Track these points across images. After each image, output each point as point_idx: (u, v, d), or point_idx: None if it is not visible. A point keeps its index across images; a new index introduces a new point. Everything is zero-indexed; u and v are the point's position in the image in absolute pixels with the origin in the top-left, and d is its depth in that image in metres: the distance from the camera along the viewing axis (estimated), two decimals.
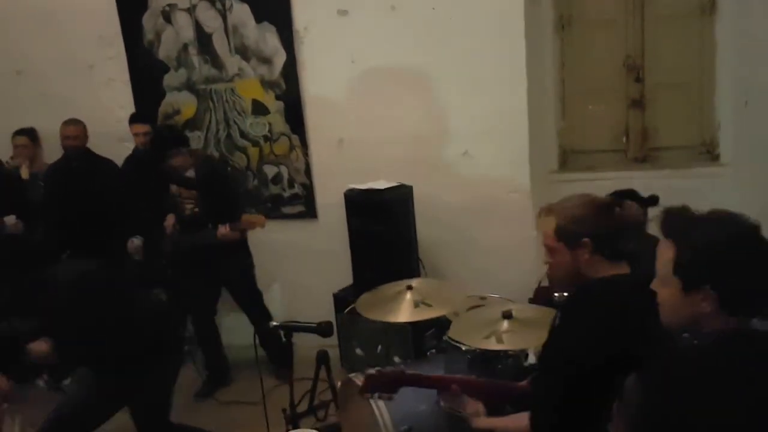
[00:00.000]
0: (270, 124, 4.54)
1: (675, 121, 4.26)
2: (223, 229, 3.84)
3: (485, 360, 2.64)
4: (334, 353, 3.50)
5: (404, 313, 3.05)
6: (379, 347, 3.73)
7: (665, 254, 1.53)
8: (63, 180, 4.53)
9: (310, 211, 4.58)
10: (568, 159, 4.46)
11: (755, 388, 1.41)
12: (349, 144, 4.40)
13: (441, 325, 3.27)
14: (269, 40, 4.40)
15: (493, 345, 2.62)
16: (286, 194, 4.60)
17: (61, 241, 4.35)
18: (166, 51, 4.63)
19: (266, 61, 4.44)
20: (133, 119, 4.42)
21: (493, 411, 2.09)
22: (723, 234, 1.49)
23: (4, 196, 4.31)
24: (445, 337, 2.82)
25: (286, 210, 4.61)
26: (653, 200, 2.94)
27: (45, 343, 2.74)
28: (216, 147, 4.65)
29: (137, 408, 2.97)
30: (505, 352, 2.63)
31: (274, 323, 2.92)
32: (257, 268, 4.30)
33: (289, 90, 4.44)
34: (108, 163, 4.57)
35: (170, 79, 4.67)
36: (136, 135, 4.39)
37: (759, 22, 3.81)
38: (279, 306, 4.50)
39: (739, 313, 1.49)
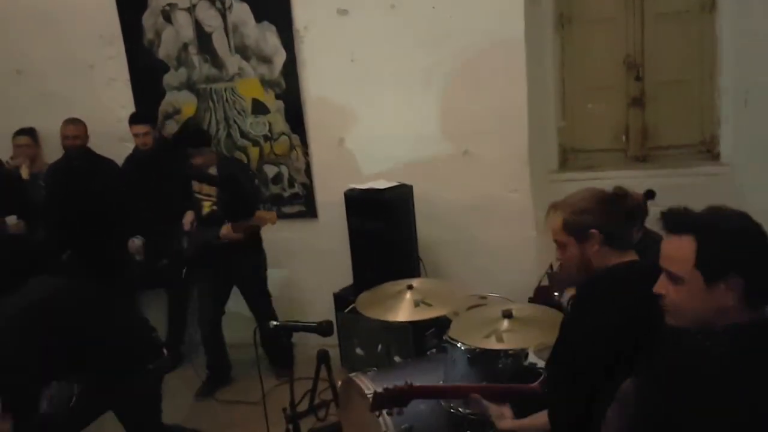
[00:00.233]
0: (270, 123, 4.54)
1: (675, 119, 4.26)
2: (225, 229, 3.87)
3: (485, 359, 2.64)
4: (334, 353, 3.50)
5: (404, 312, 3.06)
6: (380, 346, 3.73)
7: (681, 250, 1.51)
8: (64, 180, 4.53)
9: (310, 211, 4.58)
10: (568, 158, 4.46)
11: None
12: (349, 143, 4.40)
13: (441, 324, 3.27)
14: (269, 39, 4.40)
15: (493, 344, 2.62)
16: (287, 194, 4.61)
17: (61, 241, 4.37)
18: (166, 50, 4.63)
19: (266, 60, 4.44)
20: (133, 119, 4.42)
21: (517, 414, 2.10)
22: (738, 222, 1.51)
23: (4, 197, 4.31)
24: (445, 337, 2.82)
25: (287, 209, 4.61)
26: (650, 195, 2.94)
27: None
28: (216, 147, 4.64)
29: (123, 416, 2.95)
30: (505, 351, 2.62)
31: (274, 323, 2.92)
32: None
33: (289, 89, 4.44)
34: (109, 162, 4.57)
35: (170, 78, 4.67)
36: (136, 135, 4.39)
37: (759, 21, 3.81)
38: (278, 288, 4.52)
39: (759, 302, 1.49)
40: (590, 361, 1.82)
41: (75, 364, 2.69)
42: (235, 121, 4.59)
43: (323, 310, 4.15)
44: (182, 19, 4.55)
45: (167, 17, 4.57)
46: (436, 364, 2.86)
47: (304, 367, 3.37)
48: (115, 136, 4.66)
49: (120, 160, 4.56)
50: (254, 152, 4.60)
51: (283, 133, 4.53)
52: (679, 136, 4.28)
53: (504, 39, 3.96)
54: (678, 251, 1.52)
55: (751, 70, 3.91)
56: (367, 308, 3.15)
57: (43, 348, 2.57)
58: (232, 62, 4.51)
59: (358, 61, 4.25)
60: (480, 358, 2.62)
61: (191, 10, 4.51)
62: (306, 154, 4.53)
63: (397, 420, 2.53)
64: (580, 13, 4.27)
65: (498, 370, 2.61)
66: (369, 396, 2.68)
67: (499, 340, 2.63)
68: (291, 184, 4.58)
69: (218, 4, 4.44)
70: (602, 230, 1.90)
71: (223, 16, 4.46)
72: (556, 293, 3.37)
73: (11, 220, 4.23)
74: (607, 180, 3.73)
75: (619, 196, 1.95)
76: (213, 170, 4.08)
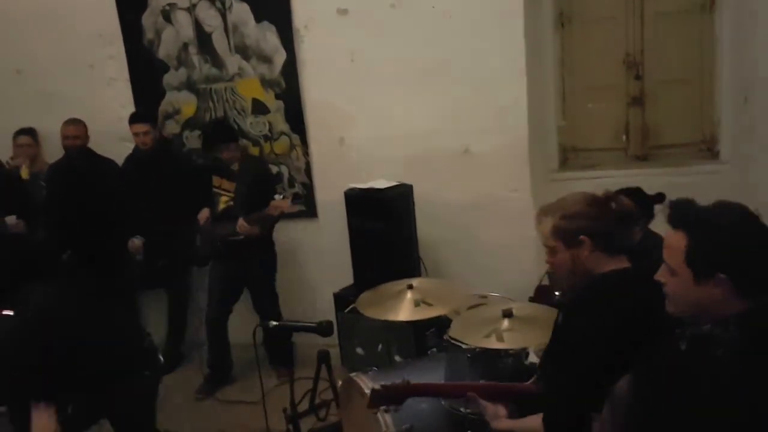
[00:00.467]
0: (270, 123, 4.54)
1: (675, 118, 4.26)
2: (240, 222, 3.90)
3: (486, 358, 2.64)
4: (334, 352, 3.50)
5: (405, 312, 3.06)
6: (380, 346, 3.73)
7: (675, 245, 1.55)
8: (64, 180, 4.53)
9: (310, 210, 4.58)
10: (569, 157, 4.46)
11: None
12: (349, 143, 4.40)
13: (442, 323, 3.27)
14: (269, 39, 4.39)
15: (493, 343, 2.62)
16: (287, 193, 4.60)
17: (61, 240, 4.36)
18: (166, 50, 4.63)
19: (266, 60, 4.44)
20: (133, 119, 4.42)
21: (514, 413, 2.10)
22: (731, 221, 1.53)
23: (4, 197, 4.31)
24: (445, 336, 2.82)
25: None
26: (660, 198, 2.94)
27: None
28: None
29: (117, 424, 2.93)
30: (506, 350, 2.62)
31: (274, 323, 2.91)
32: None
33: (289, 89, 4.44)
34: (109, 163, 4.57)
35: (170, 78, 4.67)
36: (136, 135, 4.39)
37: (758, 19, 3.81)
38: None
39: (752, 294, 1.51)
40: (589, 364, 1.82)
41: (71, 375, 2.66)
42: (235, 121, 4.59)
43: (324, 309, 4.15)
44: (182, 18, 4.55)
45: (167, 17, 4.57)
46: (437, 364, 2.85)
47: (305, 366, 3.37)
48: (115, 136, 4.66)
49: (120, 160, 4.56)
50: (254, 152, 4.59)
51: (283, 133, 4.53)
52: (679, 134, 4.28)
53: (504, 38, 3.96)
54: (672, 245, 1.57)
55: (751, 69, 3.91)
56: (367, 308, 3.15)
57: (43, 360, 2.56)
58: (232, 62, 4.51)
59: (358, 60, 4.25)
60: (480, 358, 2.62)
61: (191, 9, 4.51)
62: (306, 153, 4.52)
63: (397, 420, 2.53)
64: (580, 12, 4.27)
65: (498, 370, 2.61)
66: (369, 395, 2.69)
67: (500, 339, 2.63)
68: (291, 184, 4.57)
69: (218, 4, 4.44)
70: (592, 236, 1.90)
71: (223, 16, 4.46)
72: (557, 292, 3.36)
73: (11, 220, 4.23)
74: (607, 179, 3.77)
75: (609, 200, 1.95)
76: (236, 166, 4.11)
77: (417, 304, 3.06)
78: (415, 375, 2.87)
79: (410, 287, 3.14)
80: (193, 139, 4.73)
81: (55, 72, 4.79)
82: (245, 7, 4.39)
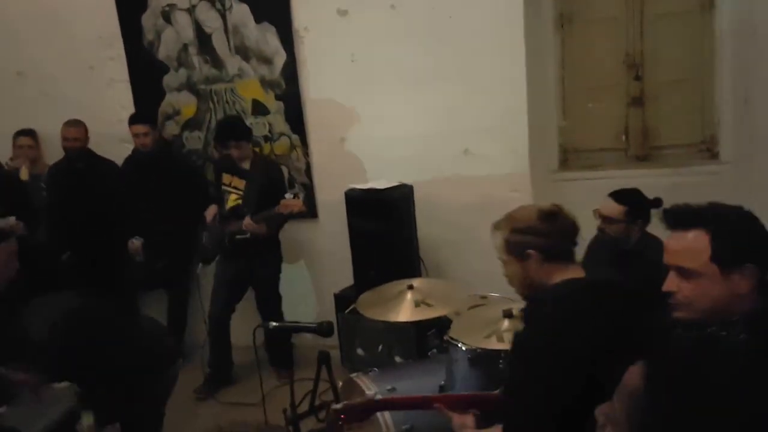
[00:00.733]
0: (270, 124, 4.54)
1: (675, 119, 4.26)
2: (247, 221, 3.90)
3: (486, 359, 2.63)
4: (335, 353, 3.49)
5: (405, 312, 3.06)
6: (381, 347, 3.73)
7: (695, 245, 1.54)
8: (64, 181, 4.54)
9: (310, 211, 4.57)
10: (569, 157, 4.46)
11: None
12: (350, 144, 4.40)
13: (442, 324, 3.26)
14: (269, 40, 4.40)
15: (494, 344, 2.62)
16: (296, 190, 4.60)
17: (61, 241, 4.37)
18: (166, 51, 4.63)
19: (266, 61, 4.44)
20: (133, 120, 4.42)
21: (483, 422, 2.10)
22: (738, 215, 1.56)
23: (4, 198, 4.30)
24: (446, 337, 2.82)
25: None
26: (657, 203, 2.94)
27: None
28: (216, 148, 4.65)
29: (128, 423, 2.93)
30: (506, 351, 2.62)
31: (274, 323, 2.91)
32: None
33: (289, 90, 4.44)
34: (109, 164, 4.57)
35: (170, 79, 4.67)
36: (135, 136, 4.40)
37: (758, 20, 3.81)
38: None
39: None
40: (538, 374, 1.81)
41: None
42: None
43: (324, 310, 4.15)
44: (182, 19, 4.55)
45: (167, 18, 4.57)
46: (438, 365, 2.85)
47: (305, 368, 3.36)
48: (115, 137, 4.67)
49: (120, 161, 4.56)
50: None
51: (284, 134, 4.53)
52: (679, 135, 4.28)
53: (504, 38, 3.96)
54: (690, 246, 1.55)
55: (751, 69, 3.91)
56: (367, 309, 3.14)
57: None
58: (232, 63, 4.51)
59: (358, 61, 4.25)
60: (481, 358, 2.62)
61: (191, 10, 4.52)
62: (306, 154, 4.52)
63: (397, 420, 2.53)
64: (580, 12, 4.27)
65: (499, 370, 2.61)
66: (370, 396, 2.69)
67: (500, 339, 2.63)
68: (291, 185, 4.57)
69: (218, 5, 4.45)
70: (540, 249, 1.93)
71: (223, 17, 4.46)
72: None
73: (10, 221, 4.22)
74: (607, 179, 3.77)
75: (555, 214, 1.97)
76: (246, 165, 4.11)
77: (417, 304, 3.06)
78: (416, 376, 2.89)
79: (411, 288, 3.14)
80: (192, 140, 4.73)
81: (56, 73, 4.80)
82: (245, 8, 4.39)
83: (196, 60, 4.59)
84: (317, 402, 3.25)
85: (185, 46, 4.58)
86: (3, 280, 2.71)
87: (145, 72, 4.68)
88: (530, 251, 1.93)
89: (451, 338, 2.74)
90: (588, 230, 3.22)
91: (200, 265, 4.38)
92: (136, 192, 4.40)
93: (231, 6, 4.42)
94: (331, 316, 3.91)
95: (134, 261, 4.46)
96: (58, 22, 4.71)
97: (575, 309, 1.85)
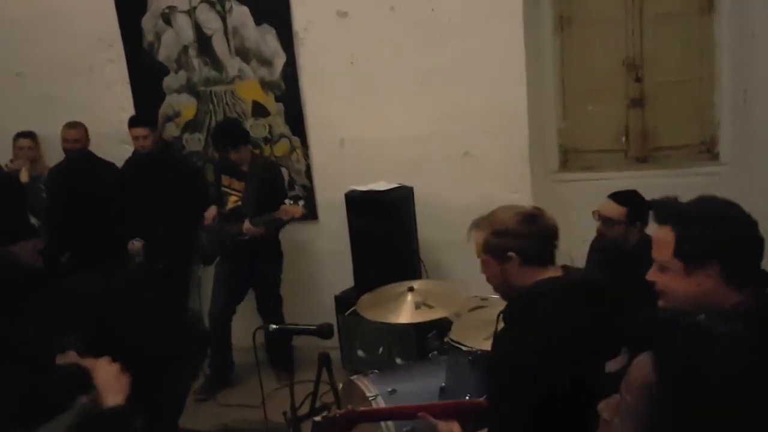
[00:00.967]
0: (270, 125, 4.54)
1: (675, 120, 4.26)
2: (246, 224, 3.91)
3: (487, 361, 2.63)
4: (335, 355, 3.50)
5: (406, 314, 3.05)
6: (381, 349, 3.73)
7: (663, 239, 1.60)
8: (64, 183, 4.53)
9: (310, 213, 4.57)
10: (569, 159, 4.46)
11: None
12: (350, 145, 4.40)
13: (443, 326, 3.27)
14: (269, 41, 4.40)
15: None
16: (297, 192, 4.60)
17: (62, 242, 4.37)
18: (166, 53, 4.63)
19: (266, 62, 4.44)
20: (133, 122, 4.42)
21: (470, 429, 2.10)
22: (714, 210, 1.59)
23: (3, 199, 4.30)
24: (446, 339, 2.82)
25: None
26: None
27: None
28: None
29: (151, 412, 2.92)
30: None
31: (274, 326, 2.91)
32: None
33: (289, 91, 4.44)
34: (109, 165, 4.57)
35: (170, 81, 4.67)
36: (135, 138, 4.39)
37: (758, 21, 3.81)
38: None
39: (744, 283, 1.54)
40: (517, 376, 1.81)
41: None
42: None
43: (324, 312, 4.14)
44: (182, 21, 4.55)
45: (167, 20, 4.57)
46: (438, 366, 2.86)
47: (306, 369, 3.36)
48: (115, 139, 4.66)
49: (120, 163, 4.56)
50: None
51: (284, 135, 4.54)
52: (678, 136, 4.29)
53: (503, 40, 3.96)
54: (660, 241, 1.61)
55: (750, 70, 3.91)
56: (368, 310, 3.15)
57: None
58: (232, 64, 4.51)
59: (358, 63, 4.25)
60: (481, 360, 2.62)
61: (191, 12, 4.52)
62: (306, 156, 4.53)
63: (398, 421, 2.53)
64: (579, 14, 4.27)
65: None
66: (370, 398, 2.69)
67: None
68: (291, 186, 4.57)
69: (218, 7, 4.45)
70: (519, 251, 1.92)
71: (223, 19, 4.46)
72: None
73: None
74: (607, 180, 3.77)
75: (535, 216, 1.97)
76: (245, 167, 4.11)
77: (418, 306, 3.06)
78: (416, 377, 2.89)
79: (411, 289, 3.14)
80: (192, 142, 4.73)
81: (55, 75, 4.79)
82: (245, 9, 4.40)
83: (196, 62, 4.59)
84: (318, 404, 3.25)
85: (185, 48, 4.58)
86: None
87: (145, 74, 4.68)
88: (510, 254, 1.93)
89: (452, 340, 2.75)
90: (588, 231, 3.23)
91: (200, 265, 4.38)
92: (136, 193, 4.39)
93: (231, 8, 4.42)
94: (331, 317, 3.91)
95: (134, 262, 4.45)
96: (58, 23, 4.71)
97: (555, 308, 1.85)
